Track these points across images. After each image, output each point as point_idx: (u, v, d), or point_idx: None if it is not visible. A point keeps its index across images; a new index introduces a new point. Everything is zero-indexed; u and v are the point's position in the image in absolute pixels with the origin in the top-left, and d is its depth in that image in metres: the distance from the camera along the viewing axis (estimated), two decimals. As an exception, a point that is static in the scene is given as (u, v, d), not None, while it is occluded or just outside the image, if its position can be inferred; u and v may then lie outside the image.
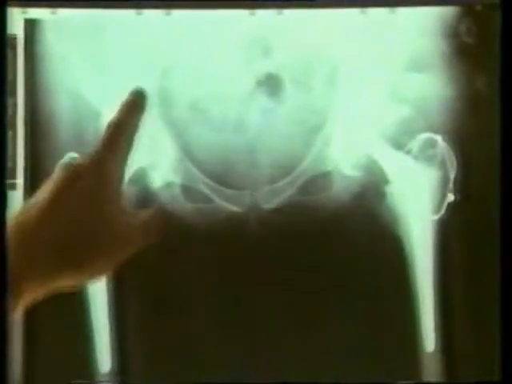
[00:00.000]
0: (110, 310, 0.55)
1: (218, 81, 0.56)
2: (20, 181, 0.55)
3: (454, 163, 0.55)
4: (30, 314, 0.54)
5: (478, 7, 0.55)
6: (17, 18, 0.55)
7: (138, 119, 0.47)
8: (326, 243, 0.55)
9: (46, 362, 0.54)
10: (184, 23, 0.55)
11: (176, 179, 0.56)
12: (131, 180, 0.56)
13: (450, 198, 0.55)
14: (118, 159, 0.45)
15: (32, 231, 0.40)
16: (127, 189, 0.55)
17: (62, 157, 0.55)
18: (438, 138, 0.55)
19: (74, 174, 0.43)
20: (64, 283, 0.41)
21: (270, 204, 0.56)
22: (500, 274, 0.52)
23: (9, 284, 0.38)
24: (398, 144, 0.55)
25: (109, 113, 0.55)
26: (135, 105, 0.47)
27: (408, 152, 0.55)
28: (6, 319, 0.36)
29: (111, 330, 0.54)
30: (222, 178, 0.56)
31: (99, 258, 0.42)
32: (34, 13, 0.55)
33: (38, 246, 0.40)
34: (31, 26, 0.56)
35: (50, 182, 0.43)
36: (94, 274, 0.42)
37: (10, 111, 0.55)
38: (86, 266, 0.41)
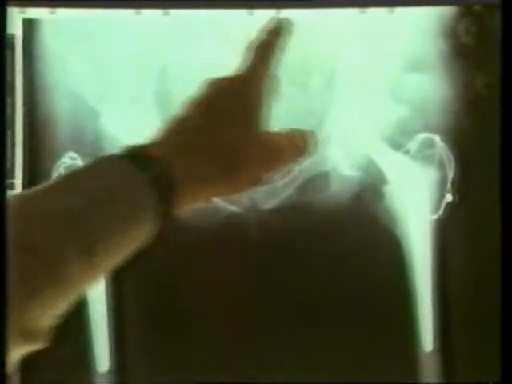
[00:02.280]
0: (108, 309, 0.55)
1: (216, 81, 0.56)
2: (18, 180, 0.55)
3: (453, 163, 0.55)
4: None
5: (477, 7, 0.55)
6: (15, 18, 0.55)
7: (283, 42, 0.48)
8: (324, 243, 0.55)
9: (45, 361, 0.54)
10: (182, 23, 0.55)
11: (174, 179, 0.56)
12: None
13: (449, 198, 0.54)
14: (265, 74, 0.46)
15: (188, 144, 0.41)
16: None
17: (60, 157, 0.55)
18: (437, 138, 0.55)
19: (225, 86, 0.44)
20: (217, 193, 0.43)
21: (268, 204, 0.56)
22: (499, 274, 0.52)
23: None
24: (397, 144, 0.55)
25: (107, 112, 0.56)
26: (280, 29, 0.48)
27: (406, 152, 0.55)
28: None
29: (109, 329, 0.55)
30: (221, 177, 0.56)
31: (249, 171, 0.42)
32: (33, 13, 0.56)
33: (195, 159, 0.40)
34: (29, 25, 0.56)
35: (199, 98, 0.44)
36: (244, 185, 0.43)
37: (8, 111, 0.55)
38: (238, 177, 0.42)
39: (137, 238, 0.38)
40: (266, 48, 0.46)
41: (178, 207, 0.39)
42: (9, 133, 0.55)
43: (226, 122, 0.42)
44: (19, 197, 0.37)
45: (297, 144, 0.45)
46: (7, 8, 0.54)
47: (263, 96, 0.44)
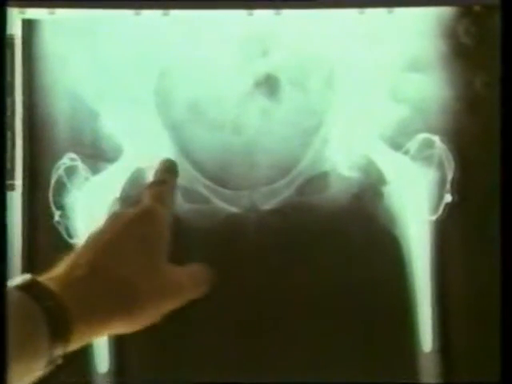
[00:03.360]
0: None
1: (215, 81, 0.56)
2: (18, 182, 0.55)
3: (452, 164, 0.55)
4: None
5: (477, 8, 0.55)
6: (14, 19, 0.55)
7: (174, 182, 0.51)
8: (323, 244, 0.55)
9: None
10: (182, 23, 0.55)
11: (174, 180, 0.56)
12: (130, 181, 0.56)
13: (448, 198, 0.55)
14: (165, 211, 0.46)
15: (85, 279, 0.40)
16: (127, 190, 0.56)
17: (60, 157, 0.55)
18: (436, 139, 0.55)
19: (127, 221, 0.44)
20: (114, 330, 0.42)
21: (267, 205, 0.56)
22: (498, 275, 0.52)
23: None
24: (396, 144, 0.55)
25: (106, 113, 0.56)
26: (169, 170, 0.51)
27: (406, 152, 0.55)
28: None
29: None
30: (220, 178, 0.56)
31: (149, 307, 0.42)
32: (32, 13, 0.55)
33: (91, 295, 0.40)
34: (29, 26, 0.55)
35: (101, 231, 0.44)
36: (143, 322, 0.43)
37: (7, 112, 0.55)
38: (137, 314, 0.42)
39: (30, 367, 0.37)
40: (163, 186, 0.48)
41: (74, 338, 0.39)
42: (8, 134, 0.55)
43: (126, 258, 0.42)
44: None
45: (196, 280, 0.46)
46: (7, 8, 0.54)
47: (164, 233, 0.45)
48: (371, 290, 0.55)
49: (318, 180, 0.56)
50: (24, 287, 0.38)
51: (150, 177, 0.52)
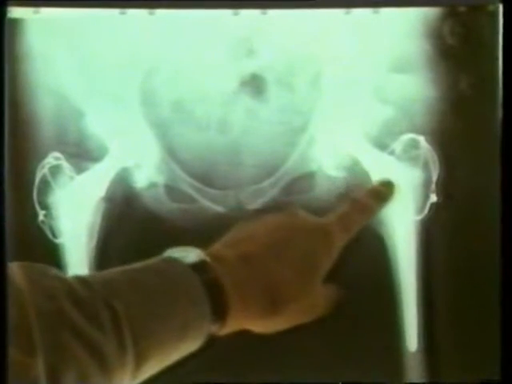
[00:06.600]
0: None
1: (201, 81, 0.56)
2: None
3: (437, 164, 0.55)
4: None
5: (462, 8, 0.55)
6: (-1, 17, 0.55)
7: (379, 209, 0.47)
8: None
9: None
10: (168, 23, 0.55)
11: (160, 179, 0.56)
12: (115, 180, 0.55)
13: (433, 198, 0.55)
14: (345, 236, 0.45)
15: (241, 267, 0.40)
16: (112, 189, 0.56)
17: (44, 156, 0.55)
18: (421, 139, 0.55)
19: (302, 230, 0.43)
20: (253, 325, 0.42)
21: (253, 204, 0.56)
22: (484, 273, 0.52)
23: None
24: (382, 145, 0.55)
25: (92, 112, 0.55)
26: (382, 195, 0.48)
27: (391, 153, 0.55)
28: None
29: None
30: (206, 178, 0.56)
31: (289, 316, 0.42)
32: (17, 12, 0.55)
33: (245, 283, 0.40)
34: (14, 25, 0.55)
35: (273, 225, 0.43)
36: (276, 327, 0.42)
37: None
38: (276, 318, 0.41)
39: (190, 343, 0.37)
40: (359, 214, 0.46)
41: (229, 320, 0.39)
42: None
43: (287, 264, 0.41)
44: (77, 278, 0.36)
45: (328, 301, 0.46)
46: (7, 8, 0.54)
47: (331, 256, 0.44)
48: (357, 290, 0.55)
49: (304, 180, 0.56)
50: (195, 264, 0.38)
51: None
